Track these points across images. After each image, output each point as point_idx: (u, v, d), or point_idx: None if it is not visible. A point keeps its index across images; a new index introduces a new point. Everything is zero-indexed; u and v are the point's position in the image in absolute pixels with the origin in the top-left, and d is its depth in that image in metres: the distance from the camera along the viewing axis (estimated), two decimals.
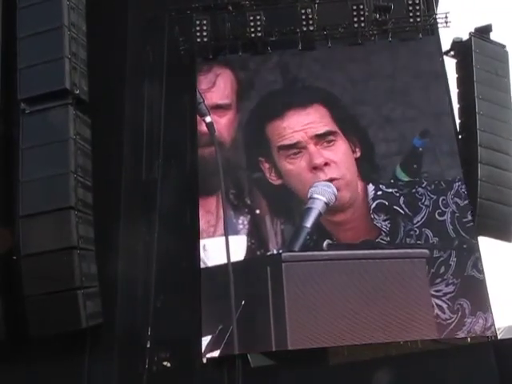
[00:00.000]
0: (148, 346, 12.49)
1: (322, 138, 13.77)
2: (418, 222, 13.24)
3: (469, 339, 12.63)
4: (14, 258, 11.59)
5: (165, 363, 12.71)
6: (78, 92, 12.09)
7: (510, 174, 14.53)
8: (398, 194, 13.46)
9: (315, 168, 13.56)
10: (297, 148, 13.74)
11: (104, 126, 12.65)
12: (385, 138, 14.01)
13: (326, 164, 13.59)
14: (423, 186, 13.52)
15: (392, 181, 13.60)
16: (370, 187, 13.54)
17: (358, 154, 13.82)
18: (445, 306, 12.57)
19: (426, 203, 13.38)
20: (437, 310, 12.55)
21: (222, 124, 14.14)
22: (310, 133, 13.79)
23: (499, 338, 13.80)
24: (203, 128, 13.96)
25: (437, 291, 12.65)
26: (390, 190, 13.50)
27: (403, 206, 13.35)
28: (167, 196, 13.58)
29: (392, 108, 14.12)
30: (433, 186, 13.51)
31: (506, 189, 14.37)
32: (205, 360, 12.38)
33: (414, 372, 12.18)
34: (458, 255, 12.94)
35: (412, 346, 12.65)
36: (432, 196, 13.44)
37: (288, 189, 13.71)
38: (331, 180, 13.47)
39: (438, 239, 13.11)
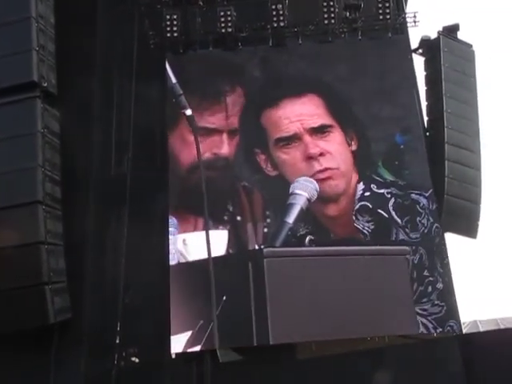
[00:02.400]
0: (117, 341, 12.45)
1: (317, 130, 13.90)
2: (403, 225, 13.36)
3: (435, 334, 12.81)
4: None
5: (133, 359, 12.65)
6: (46, 85, 11.99)
7: (476, 171, 14.79)
8: (388, 196, 13.54)
9: (310, 158, 13.68)
10: (293, 139, 13.84)
11: (73, 120, 12.52)
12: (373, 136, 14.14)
13: (321, 154, 13.72)
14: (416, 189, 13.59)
15: (382, 180, 13.67)
16: (360, 186, 13.62)
17: (355, 147, 13.94)
18: (430, 325, 12.73)
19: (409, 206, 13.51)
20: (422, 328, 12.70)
21: (233, 146, 13.95)
22: (306, 125, 13.89)
23: (464, 332, 14.07)
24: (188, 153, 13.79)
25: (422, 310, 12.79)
26: (382, 191, 13.59)
27: (391, 208, 13.43)
28: (137, 190, 13.51)
29: (379, 107, 14.20)
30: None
31: (471, 186, 14.64)
32: (174, 355, 12.35)
33: (381, 365, 12.38)
34: (429, 255, 13.12)
35: (379, 340, 12.77)
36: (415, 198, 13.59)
37: (283, 180, 13.70)
38: (326, 169, 13.61)
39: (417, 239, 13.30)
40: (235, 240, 13.31)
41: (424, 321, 12.67)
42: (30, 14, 11.91)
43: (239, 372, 12.41)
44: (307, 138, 13.79)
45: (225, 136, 13.95)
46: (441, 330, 12.69)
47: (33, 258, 11.24)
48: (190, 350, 12.33)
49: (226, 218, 13.44)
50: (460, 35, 15.14)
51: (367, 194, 13.53)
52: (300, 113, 14.00)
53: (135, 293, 12.90)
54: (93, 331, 12.22)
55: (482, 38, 16.69)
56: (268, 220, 13.39)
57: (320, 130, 13.89)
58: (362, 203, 13.45)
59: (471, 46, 15.31)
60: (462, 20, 15.31)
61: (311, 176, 13.54)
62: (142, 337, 12.61)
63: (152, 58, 14.60)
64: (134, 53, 14.49)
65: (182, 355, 12.38)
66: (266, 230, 13.34)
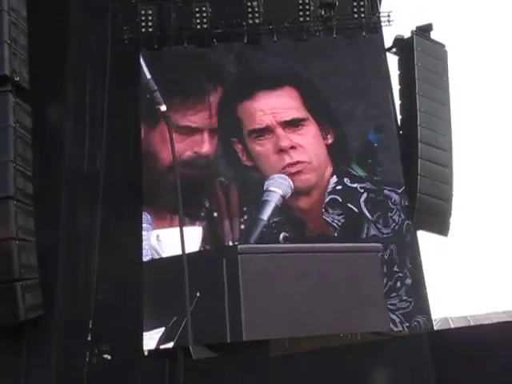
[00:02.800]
0: (89, 338, 12.36)
1: (290, 123, 13.95)
2: (375, 220, 13.46)
3: (402, 329, 12.92)
4: None
5: (105, 356, 12.57)
6: (18, 79, 11.81)
7: (448, 169, 14.97)
8: (361, 190, 13.63)
9: (281, 151, 13.74)
10: (265, 131, 13.89)
11: (45, 115, 12.38)
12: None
13: (292, 147, 13.77)
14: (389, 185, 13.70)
15: (357, 174, 13.75)
16: (333, 180, 13.69)
17: (331, 141, 14.01)
18: (397, 320, 12.87)
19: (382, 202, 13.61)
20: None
21: (214, 144, 13.93)
22: (279, 118, 13.95)
23: (435, 329, 14.24)
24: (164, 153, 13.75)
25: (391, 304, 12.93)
26: (355, 185, 13.65)
27: (362, 203, 13.51)
28: (110, 187, 13.41)
29: (353, 105, 14.26)
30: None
31: (443, 184, 14.81)
32: (146, 352, 12.29)
33: (353, 362, 12.43)
34: (399, 251, 13.25)
35: (352, 337, 12.86)
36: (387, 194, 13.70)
37: (258, 172, 13.76)
38: (297, 163, 13.67)
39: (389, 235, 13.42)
40: (211, 236, 13.31)
41: (392, 316, 12.81)
42: (2, 6, 11.71)
43: (212, 369, 12.37)
44: (279, 130, 13.86)
45: (206, 135, 13.95)
46: (407, 325, 12.83)
47: (3, 254, 11.09)
48: (162, 347, 12.30)
49: (202, 214, 13.44)
50: (433, 35, 15.31)
51: (339, 187, 13.62)
52: (274, 106, 14.07)
53: (108, 289, 12.82)
54: (65, 328, 12.12)
55: (454, 38, 16.90)
56: (245, 216, 13.42)
57: (293, 124, 13.96)
58: (332, 197, 13.56)
59: (444, 45, 15.48)
60: (435, 20, 15.53)
61: (282, 169, 13.63)
62: (114, 334, 12.53)
63: (126, 53, 14.49)
64: (108, 48, 14.35)
65: (154, 352, 12.33)
66: (242, 226, 13.36)
